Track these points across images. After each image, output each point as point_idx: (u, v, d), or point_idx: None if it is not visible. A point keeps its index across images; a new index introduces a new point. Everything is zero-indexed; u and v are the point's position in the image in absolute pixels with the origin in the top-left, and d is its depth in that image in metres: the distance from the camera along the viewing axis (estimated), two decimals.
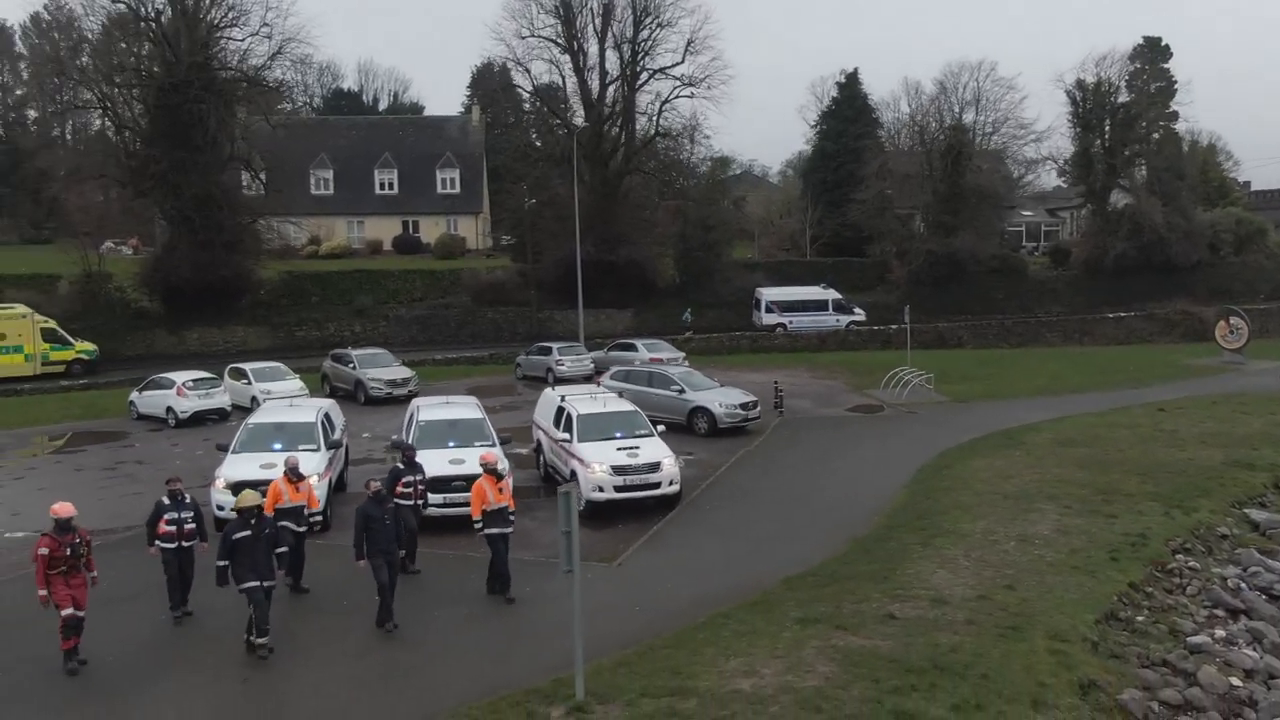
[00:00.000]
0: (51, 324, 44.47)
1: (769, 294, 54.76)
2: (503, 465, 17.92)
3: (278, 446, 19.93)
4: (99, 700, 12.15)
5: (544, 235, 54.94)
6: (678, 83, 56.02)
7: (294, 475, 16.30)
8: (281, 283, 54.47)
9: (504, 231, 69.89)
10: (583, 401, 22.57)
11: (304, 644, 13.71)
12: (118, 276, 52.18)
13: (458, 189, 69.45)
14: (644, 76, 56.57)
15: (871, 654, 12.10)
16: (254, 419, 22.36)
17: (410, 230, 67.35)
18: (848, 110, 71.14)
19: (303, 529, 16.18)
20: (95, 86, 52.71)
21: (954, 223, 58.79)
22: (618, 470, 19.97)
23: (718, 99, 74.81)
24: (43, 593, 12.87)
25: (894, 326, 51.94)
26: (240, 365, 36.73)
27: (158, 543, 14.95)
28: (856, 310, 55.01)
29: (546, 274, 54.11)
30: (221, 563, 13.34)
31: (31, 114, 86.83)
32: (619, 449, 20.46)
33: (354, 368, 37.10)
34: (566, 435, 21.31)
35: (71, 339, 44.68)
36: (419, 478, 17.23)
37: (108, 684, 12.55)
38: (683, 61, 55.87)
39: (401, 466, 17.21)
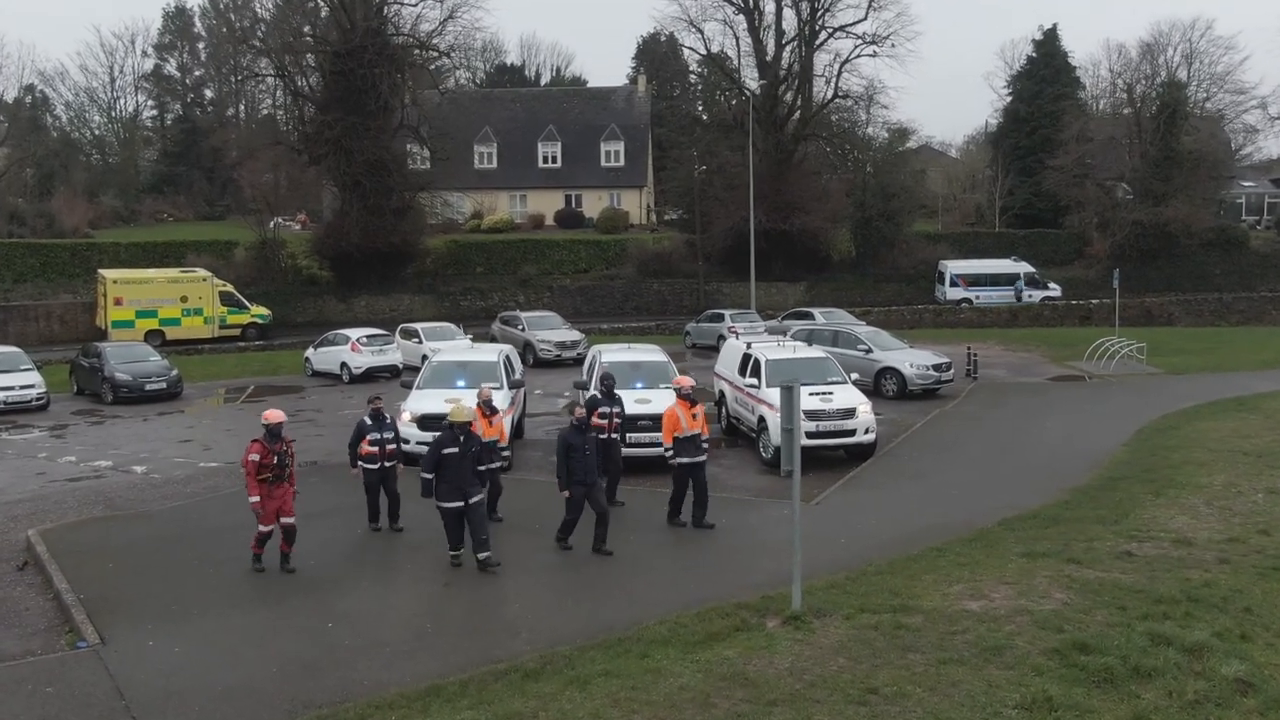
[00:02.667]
0: (229, 288, 45.17)
1: (954, 267, 51.84)
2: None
3: (461, 384, 19.93)
4: (302, 595, 12.22)
5: (712, 204, 53.21)
6: (859, 41, 53.28)
7: (488, 409, 15.46)
8: (446, 252, 54.62)
9: (668, 205, 68.17)
10: (770, 348, 21.75)
11: (502, 558, 13.38)
12: (290, 244, 53.20)
13: (622, 162, 67.44)
14: (823, 35, 54.14)
15: (1113, 585, 10.88)
16: (438, 358, 22.40)
17: (573, 204, 66.13)
18: (1044, 69, 65.21)
19: (496, 464, 15.44)
20: (273, 55, 53.31)
21: (1165, 190, 53.11)
22: (810, 415, 18.83)
23: (902, 57, 71.34)
24: (255, 499, 12.83)
25: (1094, 301, 48.65)
26: (411, 325, 36.93)
27: (361, 463, 14.86)
28: (1051, 285, 51.25)
29: (714, 245, 52.57)
30: (428, 475, 13.01)
31: (208, 94, 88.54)
32: (810, 394, 19.44)
33: (523, 330, 37.13)
34: (754, 381, 20.48)
35: (247, 303, 45.30)
36: (616, 409, 16.26)
37: (310, 583, 12.63)
38: (865, 18, 53.05)
39: (600, 396, 16.42)
